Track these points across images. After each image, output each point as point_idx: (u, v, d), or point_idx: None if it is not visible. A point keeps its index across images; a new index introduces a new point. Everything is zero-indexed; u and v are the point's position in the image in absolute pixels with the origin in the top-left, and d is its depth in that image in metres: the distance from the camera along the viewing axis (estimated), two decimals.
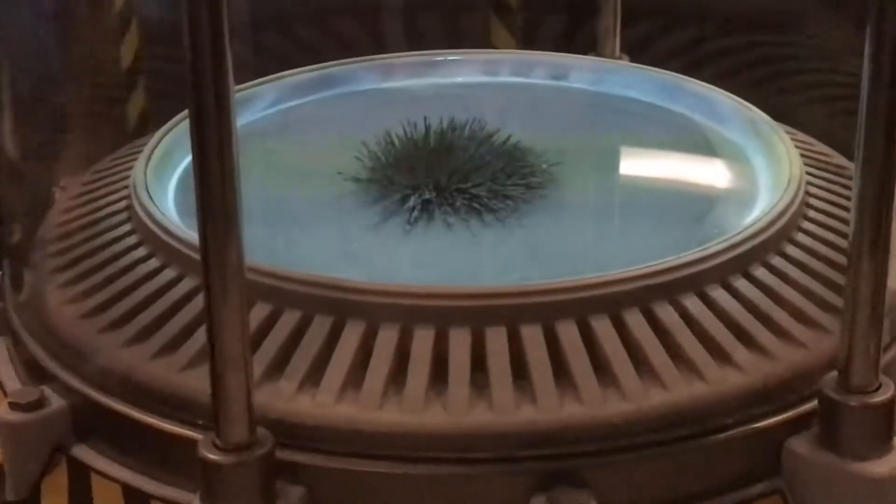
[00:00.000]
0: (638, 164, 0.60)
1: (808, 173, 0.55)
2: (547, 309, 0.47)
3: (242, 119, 0.61)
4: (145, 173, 0.54)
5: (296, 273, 0.48)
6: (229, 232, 0.40)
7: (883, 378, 0.45)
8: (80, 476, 0.47)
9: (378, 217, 0.56)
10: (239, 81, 0.64)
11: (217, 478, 0.42)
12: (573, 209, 0.56)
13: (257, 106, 0.63)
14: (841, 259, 0.48)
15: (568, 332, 0.47)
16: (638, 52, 0.70)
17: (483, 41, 0.92)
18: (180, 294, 0.49)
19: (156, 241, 0.51)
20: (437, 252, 0.55)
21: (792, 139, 0.57)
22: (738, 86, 0.62)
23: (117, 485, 0.46)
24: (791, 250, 0.51)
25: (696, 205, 0.57)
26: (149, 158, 0.55)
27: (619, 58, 0.70)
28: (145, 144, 0.57)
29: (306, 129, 0.64)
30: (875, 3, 0.41)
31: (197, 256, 0.42)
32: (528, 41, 0.90)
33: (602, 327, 0.47)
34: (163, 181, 0.55)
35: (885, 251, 0.44)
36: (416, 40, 0.81)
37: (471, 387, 0.45)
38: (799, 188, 0.53)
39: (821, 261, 0.51)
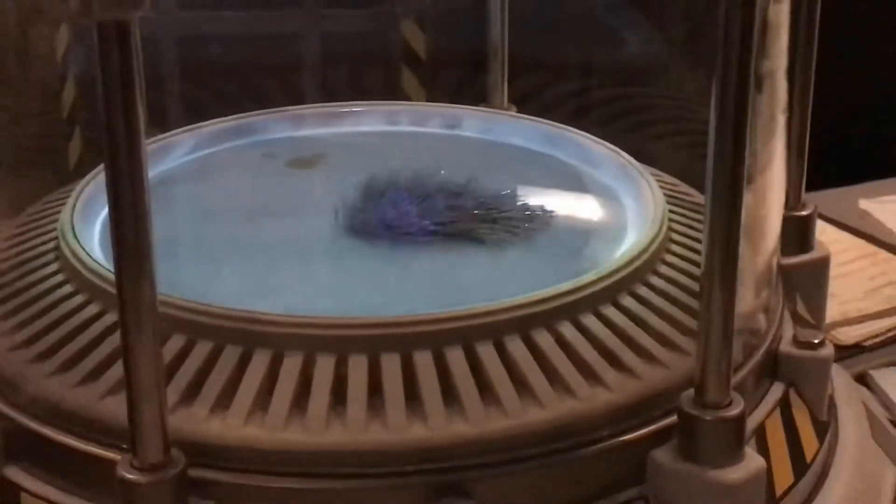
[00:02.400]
0: (519, 203, 0.60)
1: (671, 211, 0.56)
2: (436, 336, 0.47)
3: (161, 166, 0.61)
4: (72, 216, 0.54)
5: (206, 306, 0.48)
6: (143, 269, 0.40)
7: (734, 394, 0.46)
8: (12, 494, 0.47)
9: (291, 250, 0.57)
10: (160, 131, 0.65)
11: (134, 495, 0.42)
12: (461, 243, 0.57)
13: (175, 153, 0.63)
14: (694, 286, 0.50)
15: (455, 357, 0.47)
16: (523, 103, 0.70)
17: (395, 90, 0.93)
18: (102, 328, 0.49)
19: (80, 279, 0.51)
20: (341, 284, 0.55)
21: (657, 180, 0.58)
22: (610, 133, 0.63)
23: (45, 502, 0.46)
24: (655, 280, 0.52)
25: (571, 240, 0.57)
26: (75, 202, 0.55)
27: (508, 108, 0.71)
28: (73, 189, 0.57)
29: (222, 174, 0.64)
30: (720, 60, 0.43)
31: (116, 291, 0.42)
32: (436, 92, 0.91)
33: (486, 352, 0.47)
34: (89, 224, 0.55)
35: (733, 280, 0.44)
36: (333, 91, 0.81)
37: (367, 408, 0.46)
38: (662, 224, 0.54)
39: (681, 290, 0.52)
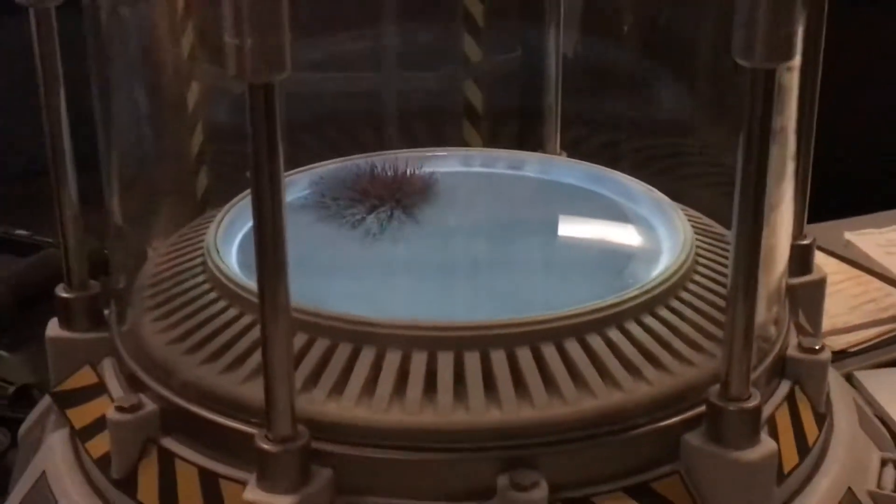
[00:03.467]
0: (574, 231, 0.61)
1: (697, 239, 0.56)
2: (509, 338, 0.47)
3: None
4: (215, 238, 0.54)
5: (325, 311, 0.48)
6: (280, 280, 0.41)
7: (752, 389, 0.46)
8: (167, 461, 0.48)
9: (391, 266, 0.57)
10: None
11: (269, 462, 0.43)
12: (527, 262, 0.57)
13: (296, 188, 0.63)
14: (721, 302, 0.50)
15: (524, 356, 0.47)
16: (573, 149, 0.70)
17: (458, 140, 0.93)
18: (241, 327, 0.50)
19: (223, 287, 0.51)
20: (429, 293, 0.55)
21: (686, 214, 0.58)
22: (646, 175, 0.63)
23: (195, 467, 0.47)
24: (685, 296, 0.52)
25: (616, 261, 0.57)
26: (217, 227, 0.55)
27: (560, 154, 0.71)
28: (214, 216, 0.57)
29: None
30: (746, 118, 0.43)
31: (254, 299, 0.43)
32: (492, 140, 0.91)
33: (549, 352, 0.47)
34: (228, 244, 0.55)
35: (754, 296, 0.45)
36: (409, 139, 0.80)
37: (453, 396, 0.46)
38: (690, 250, 0.54)
39: (707, 304, 0.52)
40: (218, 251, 0.53)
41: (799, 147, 0.57)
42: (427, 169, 0.64)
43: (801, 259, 0.60)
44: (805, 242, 0.60)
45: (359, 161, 0.65)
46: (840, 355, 0.74)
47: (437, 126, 0.96)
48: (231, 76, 0.38)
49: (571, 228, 0.61)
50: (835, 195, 0.92)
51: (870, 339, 0.76)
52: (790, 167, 0.55)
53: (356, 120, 0.89)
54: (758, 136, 0.43)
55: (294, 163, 0.65)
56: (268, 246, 0.41)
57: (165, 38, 0.65)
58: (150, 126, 0.62)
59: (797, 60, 0.51)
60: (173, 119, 0.66)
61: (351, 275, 0.57)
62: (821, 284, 0.60)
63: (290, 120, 0.42)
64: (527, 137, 0.75)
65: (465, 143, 0.91)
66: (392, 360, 0.47)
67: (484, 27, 1.45)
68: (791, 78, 0.52)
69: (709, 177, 0.60)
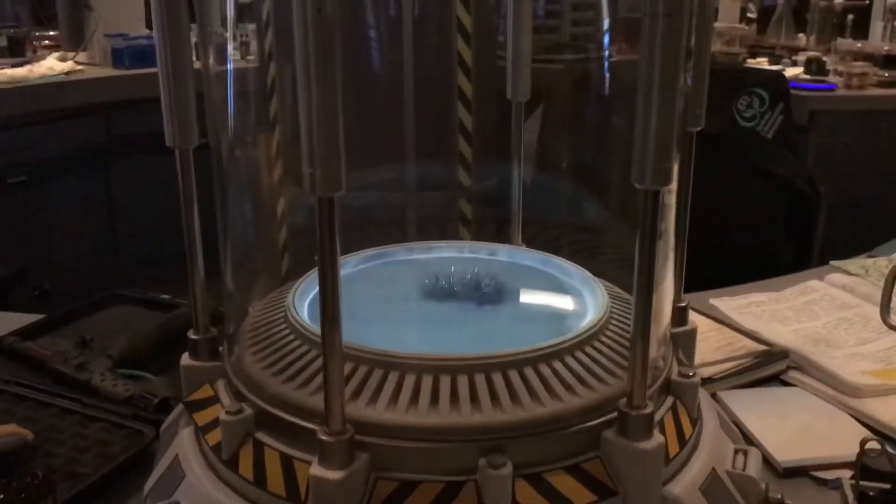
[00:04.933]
0: (530, 296, 0.60)
1: (612, 302, 0.56)
2: (487, 366, 0.47)
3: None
4: (293, 299, 0.54)
5: (362, 346, 0.48)
6: (336, 327, 0.42)
7: (648, 401, 0.46)
8: (259, 448, 0.48)
9: (410, 317, 0.57)
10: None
11: (326, 449, 0.43)
12: (499, 315, 0.57)
13: (346, 266, 0.63)
14: (627, 343, 0.49)
15: (497, 378, 0.47)
16: (530, 242, 0.71)
17: (455, 236, 0.93)
18: (310, 359, 0.49)
19: (298, 332, 0.51)
20: (434, 335, 0.56)
21: (604, 286, 0.58)
22: (578, 259, 0.63)
23: (277, 452, 0.47)
24: (603, 339, 0.52)
25: (557, 316, 0.57)
26: (294, 293, 0.55)
27: (521, 245, 0.71)
28: (292, 286, 0.57)
29: (377, 276, 0.63)
30: (640, 226, 0.43)
31: (318, 339, 0.43)
32: (477, 236, 0.91)
33: (513, 376, 0.47)
34: (302, 303, 0.55)
35: (647, 339, 0.45)
36: (424, 235, 0.80)
37: (450, 405, 0.46)
38: (606, 309, 0.54)
39: (618, 344, 0.52)
40: (295, 308, 0.53)
41: (677, 243, 0.57)
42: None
43: (679, 315, 0.59)
44: (682, 304, 0.59)
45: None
46: (708, 381, 0.73)
47: (442, 227, 0.96)
48: (307, 192, 0.39)
49: (528, 294, 0.61)
50: (703, 273, 0.92)
51: (728, 370, 0.75)
52: (671, 256, 0.55)
53: (388, 222, 0.89)
54: (648, 236, 0.43)
55: (346, 249, 0.65)
56: (328, 304, 0.41)
57: (263, 168, 0.66)
58: (252, 227, 0.63)
59: (674, 185, 0.52)
60: (267, 222, 0.66)
61: (383, 323, 0.57)
62: (693, 333, 0.60)
63: (344, 221, 0.42)
64: (499, 234, 0.75)
65: (459, 238, 0.91)
66: (409, 381, 0.47)
67: (472, 164, 1.46)
68: (671, 197, 0.53)
69: (619, 261, 0.60)
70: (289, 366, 0.50)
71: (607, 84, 0.73)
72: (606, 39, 0.69)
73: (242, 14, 0.69)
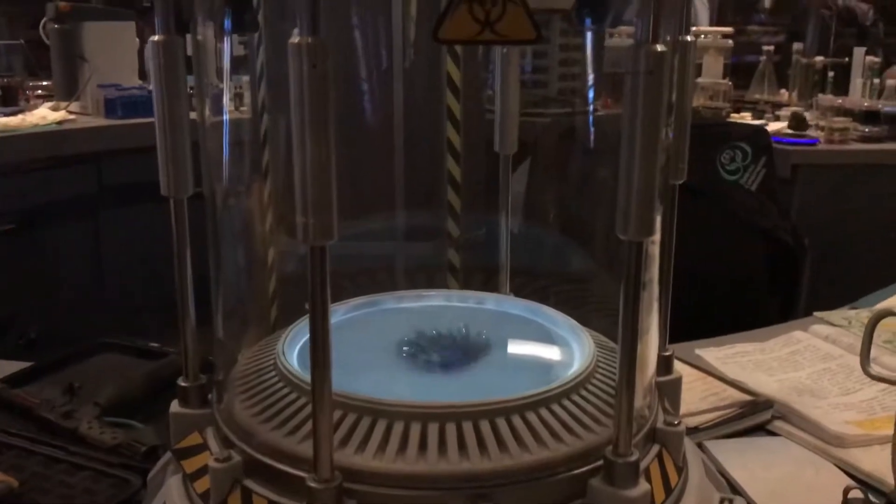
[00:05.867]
0: (518, 345, 0.60)
1: (598, 351, 0.56)
2: (474, 414, 0.48)
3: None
4: (283, 347, 0.54)
5: (351, 394, 0.48)
6: (325, 375, 0.42)
7: (633, 449, 0.46)
8: (247, 495, 0.47)
9: (399, 365, 0.57)
10: None
11: (315, 496, 0.43)
12: (488, 364, 0.57)
13: (335, 314, 0.62)
14: (613, 391, 0.49)
15: (484, 426, 0.47)
16: (518, 291, 0.71)
17: (444, 285, 0.93)
18: (299, 406, 0.49)
19: (287, 380, 0.51)
20: (422, 383, 0.56)
21: (590, 334, 0.59)
22: (565, 308, 0.63)
23: (265, 499, 0.47)
24: (590, 387, 0.52)
25: (545, 365, 0.58)
26: (284, 340, 0.55)
27: (509, 294, 0.71)
28: (282, 334, 0.57)
29: (367, 324, 0.63)
30: (625, 277, 0.44)
31: (308, 387, 0.44)
32: (466, 285, 0.92)
33: (501, 424, 0.47)
34: (291, 351, 0.55)
35: (633, 388, 0.45)
36: (414, 284, 0.80)
37: (437, 452, 0.46)
38: (593, 358, 0.54)
39: (604, 392, 0.52)
40: (285, 355, 0.53)
41: (661, 293, 0.57)
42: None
43: (665, 365, 0.60)
44: (667, 354, 0.60)
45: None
46: (694, 430, 0.74)
47: (431, 276, 0.97)
48: (300, 241, 0.40)
49: (517, 343, 0.61)
50: (689, 324, 0.92)
51: (713, 420, 0.76)
52: (654, 306, 0.56)
53: (379, 272, 0.89)
54: (632, 286, 0.44)
55: (336, 297, 0.65)
56: (318, 352, 0.42)
57: (255, 217, 0.67)
58: (244, 275, 0.63)
59: (657, 236, 0.53)
60: (258, 270, 0.66)
61: (372, 371, 0.57)
62: (678, 382, 0.60)
63: (335, 269, 0.43)
64: (487, 284, 0.75)
65: (447, 287, 0.92)
66: (398, 428, 0.47)
67: (461, 214, 1.47)
68: (654, 248, 0.54)
69: (605, 310, 0.61)
70: (278, 413, 0.50)
71: (592, 137, 0.74)
72: (591, 94, 0.70)
73: (237, 66, 0.70)
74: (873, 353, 0.85)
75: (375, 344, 0.60)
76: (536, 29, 0.42)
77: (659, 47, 0.41)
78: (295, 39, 0.38)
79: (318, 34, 0.38)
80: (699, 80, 2.72)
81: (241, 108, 0.97)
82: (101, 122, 2.29)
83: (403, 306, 0.66)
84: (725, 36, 2.83)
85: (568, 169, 0.99)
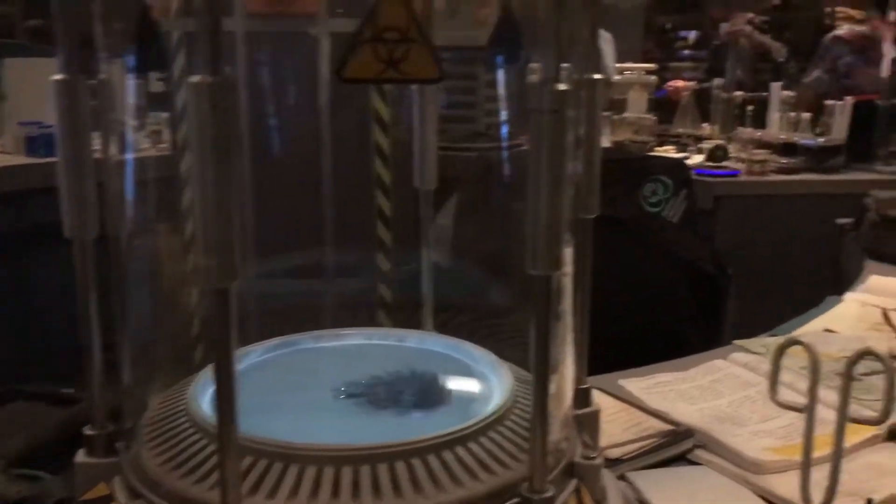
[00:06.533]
0: (439, 382, 0.59)
1: (517, 385, 0.56)
2: (390, 456, 0.47)
3: (238, 364, 0.61)
4: (195, 392, 0.53)
5: (262, 439, 0.47)
6: (231, 420, 0.40)
7: (549, 486, 0.46)
8: None
9: (312, 406, 0.56)
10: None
11: None
12: (407, 403, 0.56)
13: (250, 356, 0.62)
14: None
15: (400, 467, 0.47)
16: (445, 326, 0.71)
17: (374, 321, 0.92)
18: (209, 452, 0.48)
19: (198, 426, 0.50)
20: (338, 425, 0.54)
21: (510, 368, 0.59)
22: (485, 344, 0.63)
23: None
24: (508, 423, 0.52)
25: (465, 401, 0.56)
26: (195, 385, 0.54)
27: (432, 331, 0.71)
28: (196, 377, 0.56)
29: (283, 366, 0.62)
30: (537, 310, 0.44)
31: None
32: (398, 322, 0.91)
33: (417, 464, 0.47)
34: (204, 396, 0.53)
35: (545, 422, 0.45)
36: (341, 322, 0.78)
37: (351, 496, 0.45)
38: (511, 393, 0.54)
39: (522, 428, 0.52)
40: (196, 400, 0.52)
41: (579, 325, 0.57)
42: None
43: (583, 397, 0.60)
44: (585, 386, 0.60)
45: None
46: (616, 462, 0.74)
47: (361, 312, 0.96)
48: (202, 285, 0.39)
49: (436, 381, 0.59)
50: (614, 355, 0.93)
51: (635, 451, 0.76)
52: (569, 338, 0.56)
53: (306, 310, 0.88)
54: (543, 321, 0.44)
55: (261, 337, 0.64)
56: (223, 398, 0.40)
57: (165, 257, 0.65)
58: (154, 318, 0.61)
59: (569, 268, 0.53)
60: (171, 313, 0.64)
61: (286, 414, 0.55)
62: (597, 414, 0.60)
63: (262, 309, 0.42)
64: (417, 319, 0.74)
65: (379, 323, 0.91)
66: (310, 472, 0.46)
67: (391, 249, 1.47)
68: (566, 280, 0.54)
69: (524, 344, 0.61)
70: (187, 460, 0.48)
71: (512, 172, 0.75)
72: (504, 130, 0.71)
73: (151, 103, 0.69)
74: (790, 378, 0.87)
75: (290, 386, 0.59)
76: (440, 68, 0.42)
77: (562, 86, 0.42)
78: (195, 78, 0.37)
79: (219, 73, 0.38)
80: (625, 115, 2.79)
81: (160, 146, 0.95)
82: (23, 160, 2.22)
83: (321, 346, 0.65)
84: (649, 72, 2.91)
85: (493, 203, 1.00)
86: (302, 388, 0.58)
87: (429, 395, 0.59)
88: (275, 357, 0.63)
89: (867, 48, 3.11)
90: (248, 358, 0.61)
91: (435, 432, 0.48)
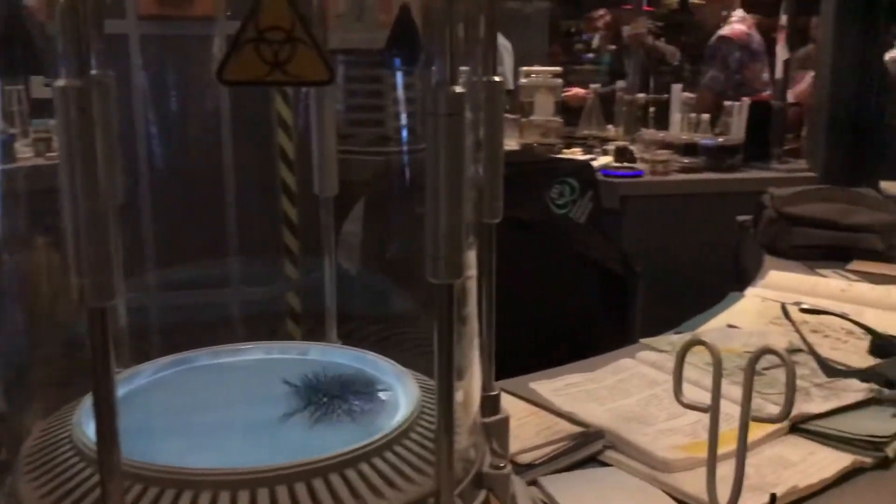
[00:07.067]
0: (339, 398, 0.57)
1: (423, 395, 0.54)
2: (290, 477, 0.45)
3: (133, 384, 0.57)
4: (79, 417, 0.50)
5: (152, 464, 0.44)
6: (113, 445, 0.38)
7: (456, 499, 0.45)
8: None
9: (209, 428, 0.53)
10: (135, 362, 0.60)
11: None
12: (309, 420, 0.54)
13: (144, 374, 0.58)
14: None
15: (300, 489, 0.45)
16: (349, 336, 0.69)
17: (283, 331, 0.90)
18: (93, 483, 0.45)
19: (82, 454, 0.47)
20: (232, 446, 0.52)
21: (416, 378, 0.57)
22: (390, 353, 0.62)
23: None
24: (414, 435, 0.50)
25: (371, 415, 0.55)
26: (80, 410, 0.51)
27: (336, 342, 0.69)
28: (82, 401, 0.53)
29: (176, 385, 0.59)
30: (437, 312, 0.43)
31: None
32: (308, 330, 0.88)
33: (319, 484, 0.45)
34: (89, 421, 0.49)
35: (451, 432, 0.44)
36: (245, 338, 0.75)
37: None
38: (418, 404, 0.53)
39: (427, 440, 0.50)
40: (81, 426, 0.49)
41: (485, 331, 0.56)
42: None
43: (492, 404, 0.58)
44: (493, 393, 0.58)
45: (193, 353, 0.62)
46: (528, 467, 0.73)
47: (270, 322, 0.93)
48: (76, 301, 0.36)
49: (338, 395, 0.57)
50: (525, 358, 0.93)
51: (548, 454, 0.76)
52: (475, 342, 0.55)
53: (210, 323, 0.85)
54: (445, 329, 0.43)
55: (161, 353, 0.60)
56: (103, 423, 0.38)
57: (41, 275, 0.61)
58: (27, 340, 0.57)
59: (474, 272, 0.52)
60: (45, 335, 0.60)
61: (178, 437, 0.52)
62: (506, 421, 0.59)
63: (161, 324, 0.39)
64: (320, 329, 0.72)
65: (289, 333, 0.88)
66: (205, 498, 0.43)
67: (298, 256, 1.44)
68: (471, 284, 0.53)
69: (431, 352, 0.59)
70: (71, 490, 0.45)
71: (418, 176, 0.74)
72: (405, 133, 0.70)
73: (37, 109, 0.65)
74: (696, 375, 0.89)
75: (184, 406, 0.56)
76: (330, 69, 0.40)
77: (457, 88, 0.41)
78: (60, 82, 0.35)
79: (86, 76, 0.35)
80: (532, 117, 2.82)
81: (49, 154, 0.90)
82: None
83: (218, 362, 0.62)
84: (555, 75, 2.94)
85: (401, 208, 0.98)
86: (196, 408, 0.55)
87: (330, 410, 0.57)
88: (168, 376, 0.59)
89: (751, 44, 3.25)
90: (139, 378, 0.57)
91: (337, 450, 0.47)
